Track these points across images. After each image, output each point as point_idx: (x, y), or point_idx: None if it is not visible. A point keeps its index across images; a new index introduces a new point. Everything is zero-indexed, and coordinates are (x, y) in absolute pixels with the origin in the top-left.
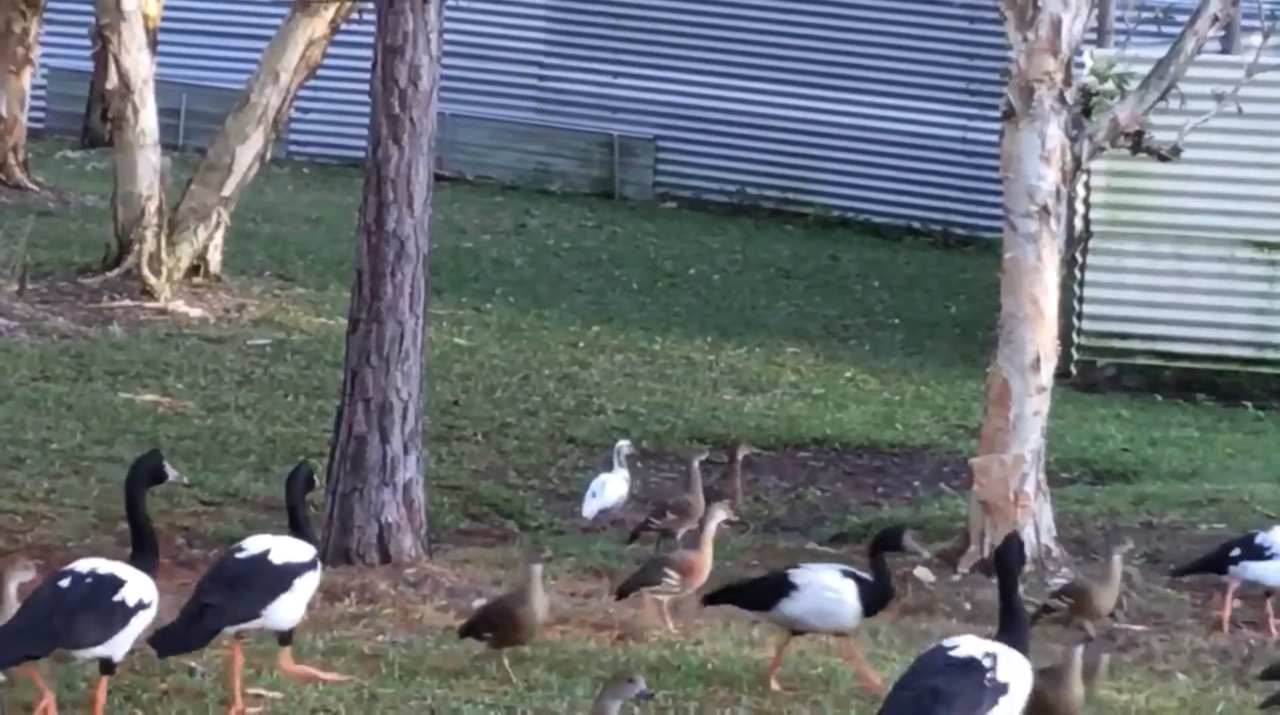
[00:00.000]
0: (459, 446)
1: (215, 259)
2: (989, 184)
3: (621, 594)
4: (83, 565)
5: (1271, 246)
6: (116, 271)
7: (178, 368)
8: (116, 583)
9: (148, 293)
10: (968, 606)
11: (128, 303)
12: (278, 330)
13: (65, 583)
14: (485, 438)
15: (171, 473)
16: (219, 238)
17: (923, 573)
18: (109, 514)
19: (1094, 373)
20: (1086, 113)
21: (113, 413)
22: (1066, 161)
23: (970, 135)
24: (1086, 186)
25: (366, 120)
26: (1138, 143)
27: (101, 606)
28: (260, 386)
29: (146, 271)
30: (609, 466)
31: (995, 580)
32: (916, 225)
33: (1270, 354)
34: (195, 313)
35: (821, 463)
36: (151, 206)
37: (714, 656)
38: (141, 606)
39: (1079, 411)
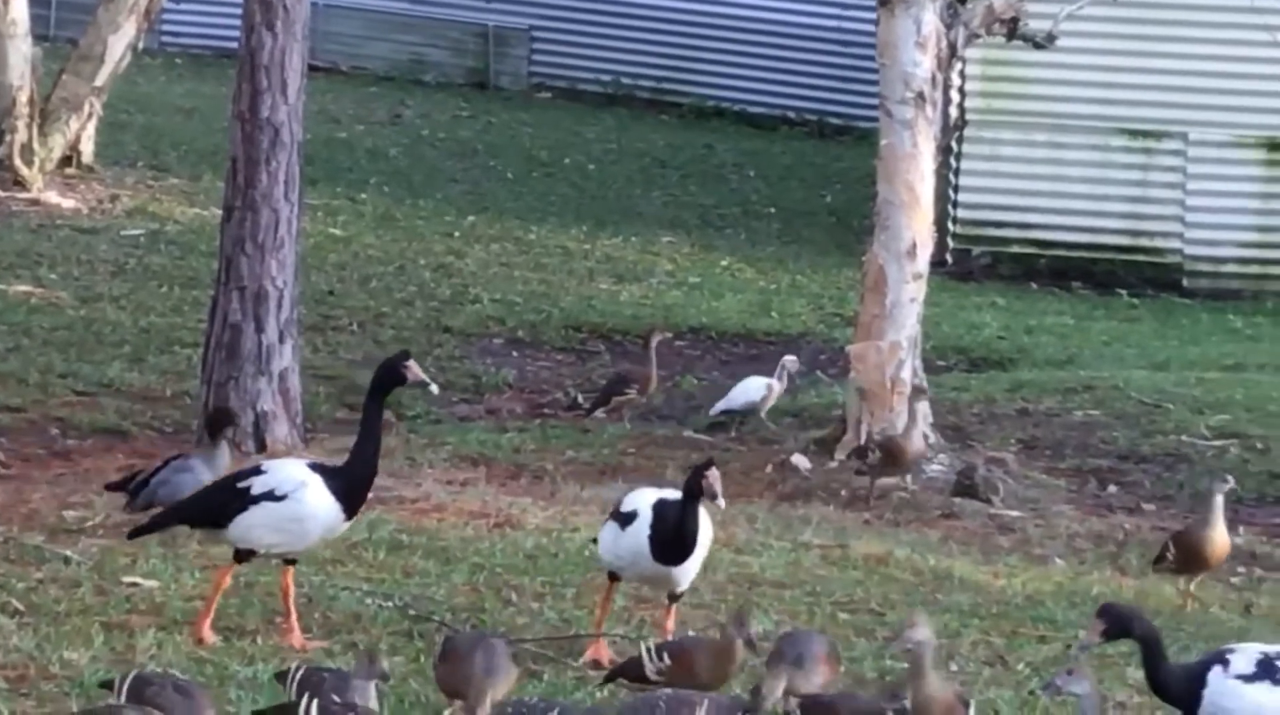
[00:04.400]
0: (335, 336)
1: (88, 149)
2: (865, 73)
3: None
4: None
5: (1146, 134)
6: None
7: (51, 258)
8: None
9: (19, 183)
10: (843, 493)
11: None
12: (151, 220)
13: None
14: (361, 327)
15: (416, 375)
16: (91, 128)
17: (799, 460)
18: None
19: (969, 261)
20: (963, 0)
21: None
22: (942, 48)
23: (846, 25)
24: (962, 74)
25: (240, 10)
26: (1013, 30)
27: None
28: (134, 277)
29: (18, 162)
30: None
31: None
32: (792, 115)
33: (1144, 242)
34: (68, 203)
35: (698, 351)
36: (23, 97)
37: (591, 543)
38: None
39: (955, 300)
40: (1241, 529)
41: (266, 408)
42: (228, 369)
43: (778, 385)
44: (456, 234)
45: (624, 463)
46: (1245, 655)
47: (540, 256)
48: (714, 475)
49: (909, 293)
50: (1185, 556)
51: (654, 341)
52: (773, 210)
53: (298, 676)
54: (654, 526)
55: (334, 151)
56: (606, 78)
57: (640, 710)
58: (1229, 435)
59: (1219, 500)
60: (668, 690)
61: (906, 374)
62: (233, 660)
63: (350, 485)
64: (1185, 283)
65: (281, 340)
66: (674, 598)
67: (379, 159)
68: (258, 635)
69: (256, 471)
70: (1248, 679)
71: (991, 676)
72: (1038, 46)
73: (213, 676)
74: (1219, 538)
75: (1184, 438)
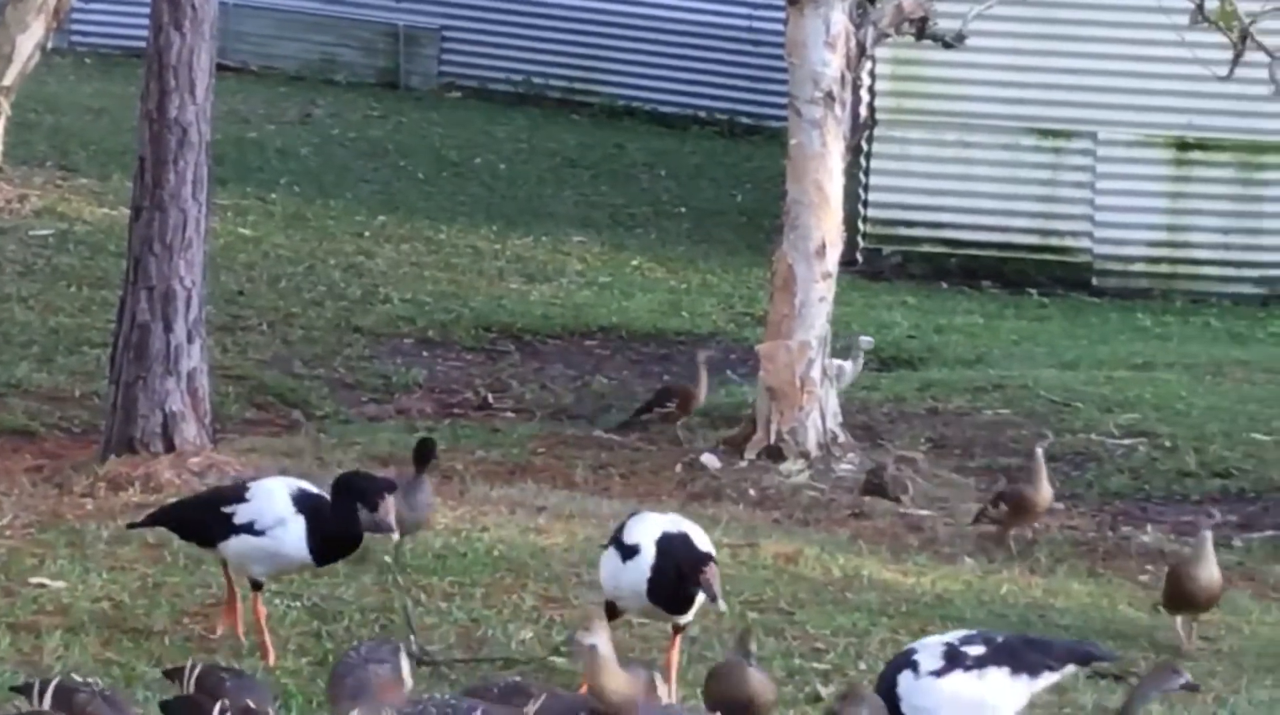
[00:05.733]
0: (244, 336)
1: None
2: (775, 73)
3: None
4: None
5: (1055, 134)
6: None
7: None
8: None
9: None
10: (753, 493)
11: None
12: (60, 220)
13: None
14: (270, 327)
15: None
16: None
17: (709, 459)
18: None
19: (880, 260)
20: (872, 0)
21: None
22: (851, 48)
23: (756, 24)
24: (872, 74)
25: (148, 9)
26: (922, 29)
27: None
28: (42, 277)
29: None
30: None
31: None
32: (703, 114)
33: (1054, 241)
34: None
35: (608, 351)
36: None
37: (500, 543)
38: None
39: (865, 299)
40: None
41: (175, 408)
42: (136, 369)
43: (850, 367)
44: (367, 234)
45: (534, 462)
46: (931, 651)
47: (450, 256)
48: (712, 572)
49: (818, 292)
50: (1013, 511)
51: (701, 358)
52: (683, 210)
53: (195, 675)
54: (655, 570)
55: (244, 151)
56: (517, 77)
57: (477, 691)
58: (1137, 434)
59: (1039, 454)
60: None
61: (816, 373)
62: (140, 661)
63: (328, 538)
64: (1095, 282)
65: (190, 340)
66: (678, 629)
67: (289, 159)
68: (165, 636)
69: (241, 496)
70: (938, 674)
71: None
72: (947, 46)
73: (120, 678)
74: (1045, 492)
75: (1093, 436)
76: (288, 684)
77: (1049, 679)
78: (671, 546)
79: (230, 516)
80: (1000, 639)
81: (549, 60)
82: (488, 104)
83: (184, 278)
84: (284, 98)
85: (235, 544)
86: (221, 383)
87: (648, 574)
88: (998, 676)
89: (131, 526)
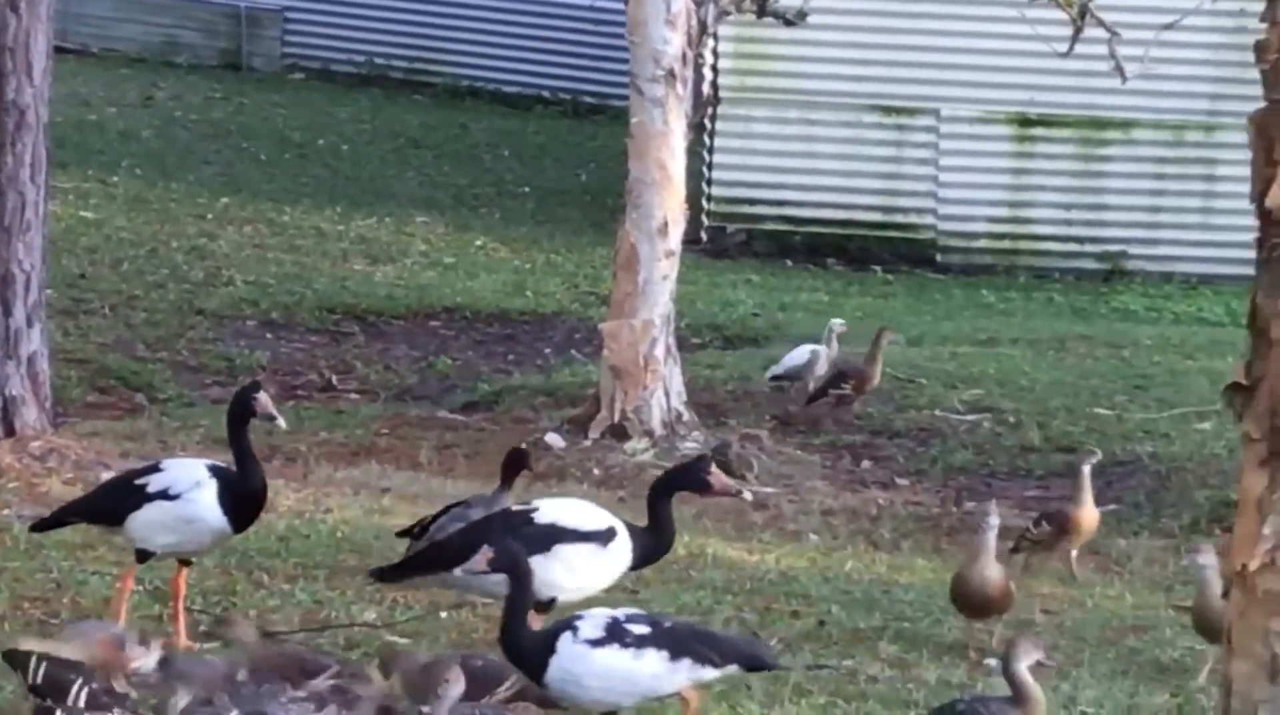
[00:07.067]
0: (86, 320)
1: None
2: (618, 52)
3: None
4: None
5: (898, 111)
6: None
7: None
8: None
9: None
10: (597, 472)
11: None
12: None
13: None
14: (113, 311)
15: (265, 408)
16: None
17: (553, 438)
18: None
19: (724, 238)
20: None
21: None
22: (692, 26)
23: (599, 3)
24: (715, 52)
25: None
26: (763, 7)
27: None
28: None
29: None
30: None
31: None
32: (546, 94)
33: (898, 218)
34: None
35: (453, 331)
36: None
37: (344, 524)
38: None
39: (709, 277)
40: (994, 502)
41: (15, 393)
42: None
43: (824, 351)
44: (209, 216)
45: (378, 444)
46: (594, 620)
47: (294, 238)
48: (716, 471)
49: (661, 270)
50: (1058, 531)
51: (884, 341)
52: (527, 189)
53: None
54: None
55: (85, 134)
56: (360, 58)
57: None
58: (982, 409)
59: (1085, 471)
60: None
61: (660, 352)
62: None
63: (238, 498)
64: (939, 258)
65: (30, 324)
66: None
67: (131, 141)
68: (5, 621)
69: (155, 469)
70: (595, 643)
71: None
72: (788, 23)
73: None
74: (1091, 510)
75: (937, 412)
76: None
77: (706, 673)
78: (664, 484)
79: (144, 487)
80: (668, 624)
81: (392, 41)
82: (330, 85)
83: (23, 261)
84: (125, 80)
85: (147, 512)
86: (63, 366)
87: (630, 548)
88: (653, 659)
89: (36, 529)
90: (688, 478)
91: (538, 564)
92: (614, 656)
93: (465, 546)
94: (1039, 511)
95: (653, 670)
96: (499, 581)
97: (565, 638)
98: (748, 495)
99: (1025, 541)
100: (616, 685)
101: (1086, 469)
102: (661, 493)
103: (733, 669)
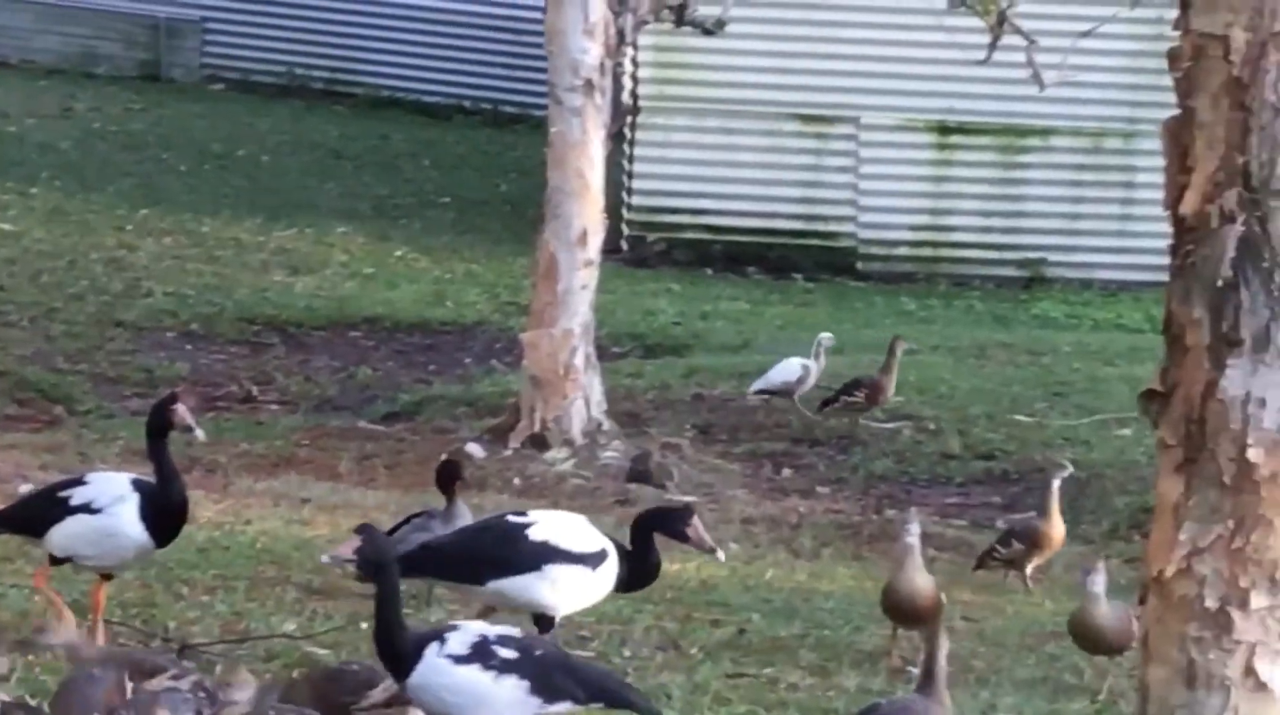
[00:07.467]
0: (5, 332)
1: None
2: (538, 61)
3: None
4: None
5: (818, 119)
6: None
7: None
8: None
9: None
10: (517, 482)
11: None
12: None
13: None
14: (32, 322)
15: (183, 419)
16: None
17: (474, 448)
18: None
19: (644, 247)
20: None
21: None
22: (610, 35)
23: (519, 13)
24: (634, 61)
25: None
26: (681, 16)
27: None
28: None
29: None
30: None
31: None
32: (467, 104)
33: (819, 226)
34: None
35: (373, 342)
36: None
37: (264, 535)
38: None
39: (630, 286)
40: (914, 510)
41: None
42: None
43: (814, 366)
44: (129, 227)
45: (298, 455)
46: (463, 636)
47: (214, 249)
48: (697, 523)
49: (580, 280)
50: (1029, 547)
51: (898, 350)
52: (448, 200)
53: None
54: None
55: (3, 145)
56: (280, 69)
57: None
58: (902, 417)
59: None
60: None
61: (580, 361)
62: None
63: (160, 512)
64: (859, 266)
65: None
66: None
67: (49, 153)
68: None
69: (79, 481)
70: (459, 659)
71: (664, 661)
72: (707, 32)
73: None
74: (1059, 525)
75: (858, 420)
76: (46, 680)
77: (563, 708)
78: (645, 521)
79: (66, 500)
80: (539, 652)
81: (312, 51)
82: (250, 96)
83: None
84: (44, 91)
85: (69, 525)
86: None
87: (618, 570)
88: (511, 685)
89: None
90: (666, 524)
91: (526, 582)
92: (474, 676)
93: (462, 553)
94: (1005, 529)
95: (509, 697)
96: (519, 593)
97: (433, 648)
98: (721, 556)
99: (993, 560)
100: (469, 704)
101: (1056, 483)
102: (643, 530)
103: (597, 706)
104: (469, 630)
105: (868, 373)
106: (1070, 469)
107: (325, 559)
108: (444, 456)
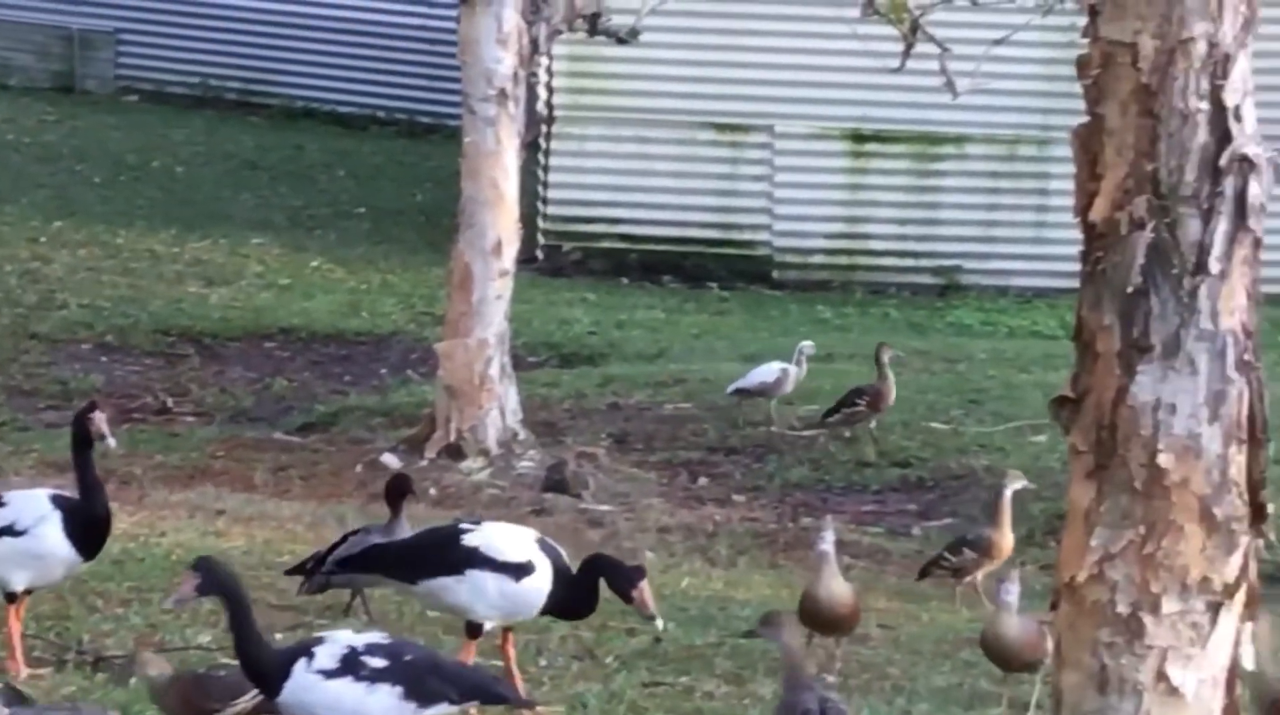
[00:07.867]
0: None
1: None
2: (453, 71)
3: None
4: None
5: (732, 128)
6: None
7: None
8: None
9: None
10: (434, 491)
11: None
12: None
13: None
14: None
15: (99, 428)
16: None
17: (389, 458)
18: None
19: (560, 257)
20: None
21: None
22: (524, 45)
23: (433, 23)
24: (549, 70)
25: None
26: (594, 25)
27: None
28: None
29: None
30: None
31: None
32: (382, 114)
33: (734, 235)
34: None
35: (288, 352)
36: None
37: (179, 547)
38: None
39: (546, 296)
40: (829, 518)
41: None
42: None
43: (794, 370)
44: (43, 239)
45: (213, 466)
46: (331, 649)
47: (128, 260)
48: (645, 587)
49: (495, 290)
50: (981, 556)
51: (885, 357)
52: (363, 210)
53: None
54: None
55: None
56: (194, 80)
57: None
58: (817, 425)
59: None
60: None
61: (495, 371)
62: None
63: (84, 526)
64: (775, 274)
65: None
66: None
67: None
68: None
69: None
70: (328, 674)
71: (580, 670)
72: (621, 42)
73: None
74: (1009, 535)
75: (774, 429)
76: None
77: (440, 709)
78: (596, 563)
79: None
80: (409, 657)
81: (226, 62)
82: (165, 107)
83: None
84: None
85: None
86: None
87: (548, 589)
88: (385, 694)
89: None
90: (614, 578)
91: (449, 584)
92: (346, 689)
93: (404, 553)
94: (955, 538)
95: (384, 705)
96: (444, 594)
97: (301, 664)
98: (660, 625)
99: (940, 568)
100: None
101: (1008, 493)
102: (591, 570)
103: (471, 705)
104: (337, 642)
105: (868, 383)
106: (1024, 481)
107: (169, 604)
108: (395, 471)
